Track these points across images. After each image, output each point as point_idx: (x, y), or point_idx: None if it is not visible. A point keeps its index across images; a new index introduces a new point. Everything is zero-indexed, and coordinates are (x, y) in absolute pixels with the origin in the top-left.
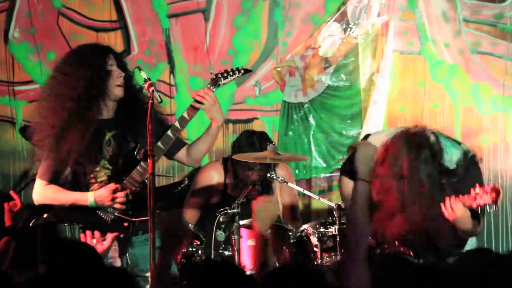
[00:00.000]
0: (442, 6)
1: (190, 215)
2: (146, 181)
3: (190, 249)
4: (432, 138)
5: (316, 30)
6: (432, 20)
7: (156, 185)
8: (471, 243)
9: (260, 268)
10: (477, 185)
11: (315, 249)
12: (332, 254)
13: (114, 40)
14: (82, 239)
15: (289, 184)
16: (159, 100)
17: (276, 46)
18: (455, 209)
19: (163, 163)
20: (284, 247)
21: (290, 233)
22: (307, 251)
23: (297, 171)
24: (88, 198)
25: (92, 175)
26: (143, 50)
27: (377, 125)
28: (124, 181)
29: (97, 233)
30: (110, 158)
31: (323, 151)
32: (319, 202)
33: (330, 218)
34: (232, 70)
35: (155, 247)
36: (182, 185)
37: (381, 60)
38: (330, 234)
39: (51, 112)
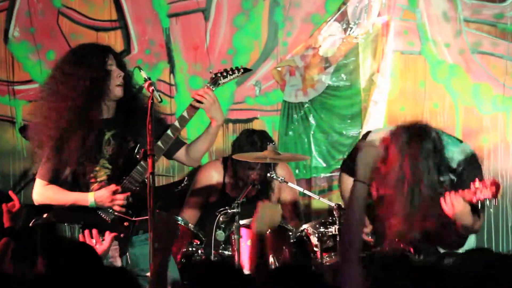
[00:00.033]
0: (442, 6)
1: (190, 215)
2: (146, 180)
3: (190, 249)
4: (434, 134)
5: (317, 30)
6: (432, 20)
7: (156, 185)
8: (470, 243)
9: (256, 269)
10: (477, 179)
11: (315, 249)
12: (332, 254)
13: (114, 40)
14: (81, 239)
15: (289, 184)
16: (159, 99)
17: (276, 46)
18: (455, 204)
19: (163, 162)
20: (284, 247)
21: (290, 233)
22: (307, 251)
23: (297, 171)
24: (88, 198)
25: (92, 175)
26: (143, 49)
27: (377, 125)
28: (124, 181)
29: (95, 232)
30: (110, 158)
31: (323, 151)
32: (319, 202)
33: (330, 218)
34: (232, 69)
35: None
36: (182, 185)
37: (382, 60)
38: (330, 234)
39: (51, 112)
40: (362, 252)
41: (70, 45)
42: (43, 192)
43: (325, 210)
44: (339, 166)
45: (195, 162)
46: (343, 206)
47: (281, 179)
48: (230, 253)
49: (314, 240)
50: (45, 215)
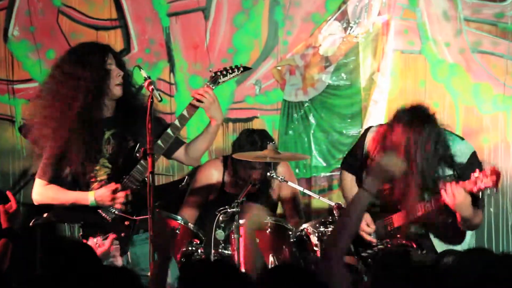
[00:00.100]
0: (443, 5)
1: (190, 214)
2: (146, 179)
3: (190, 248)
4: (434, 117)
5: (317, 29)
6: (432, 19)
7: (156, 184)
8: (467, 242)
9: (251, 267)
10: (477, 169)
11: (315, 248)
12: None
13: (114, 39)
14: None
15: (289, 183)
16: (159, 98)
17: (276, 45)
18: (456, 194)
19: (162, 162)
20: (284, 247)
21: (290, 232)
22: (307, 251)
23: (297, 170)
24: (88, 197)
25: (92, 174)
26: (143, 48)
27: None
28: (125, 180)
29: (99, 239)
30: (110, 157)
31: (323, 150)
32: (319, 201)
33: (330, 217)
34: (231, 68)
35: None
36: (182, 184)
37: (382, 59)
38: (329, 233)
39: (50, 111)
40: (364, 251)
41: (70, 44)
42: (43, 191)
43: (325, 209)
44: (339, 165)
45: (194, 161)
46: (343, 205)
47: (281, 178)
48: (229, 252)
49: (314, 239)
50: (45, 215)
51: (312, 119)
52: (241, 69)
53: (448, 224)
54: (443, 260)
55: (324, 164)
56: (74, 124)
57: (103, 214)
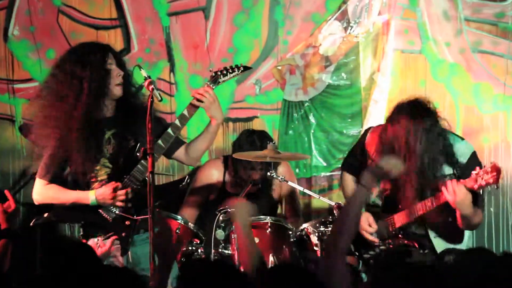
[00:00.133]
0: (443, 5)
1: (190, 213)
2: (147, 179)
3: (190, 247)
4: (434, 109)
5: (317, 28)
6: (433, 19)
7: (156, 184)
8: (467, 243)
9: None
10: (477, 167)
11: (315, 248)
12: None
13: (114, 38)
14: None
15: (289, 183)
16: (159, 98)
17: (276, 45)
18: (457, 191)
19: (163, 161)
20: (284, 246)
21: (290, 232)
22: (307, 250)
23: (297, 170)
24: (89, 197)
25: (92, 174)
26: (143, 48)
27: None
28: (125, 180)
29: (100, 239)
30: (110, 157)
31: (323, 150)
32: (319, 201)
33: (330, 217)
34: (232, 68)
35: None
36: (183, 183)
37: (382, 59)
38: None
39: (51, 111)
40: (367, 253)
41: (70, 43)
42: (43, 191)
43: (325, 209)
44: (340, 165)
45: (194, 161)
46: (343, 205)
47: (281, 178)
48: (229, 252)
49: (314, 239)
50: (45, 215)
51: (312, 119)
52: (241, 68)
53: (448, 223)
54: (444, 259)
55: (324, 164)
56: (75, 124)
57: (104, 214)
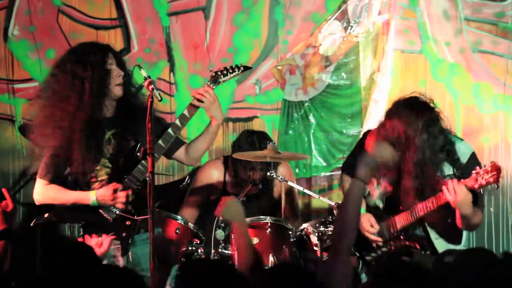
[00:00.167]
0: (443, 5)
1: (190, 214)
2: (147, 179)
3: (190, 248)
4: (433, 106)
5: (317, 28)
6: (433, 18)
7: (156, 184)
8: (464, 244)
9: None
10: (477, 167)
11: (315, 248)
12: None
13: (114, 38)
14: (82, 239)
15: (289, 183)
16: (159, 98)
17: (276, 45)
18: (457, 191)
19: (162, 161)
20: (284, 246)
21: (290, 232)
22: (307, 250)
23: (297, 170)
24: (90, 197)
25: (92, 174)
26: (143, 48)
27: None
28: (125, 180)
29: (98, 239)
30: (111, 157)
31: (323, 150)
32: (319, 201)
33: (330, 217)
34: (232, 68)
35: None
36: (183, 184)
37: (382, 58)
38: (330, 233)
39: (51, 111)
40: (369, 255)
41: (70, 43)
42: (44, 191)
43: (325, 209)
44: (340, 165)
45: (195, 161)
46: (341, 203)
47: (281, 178)
48: (229, 252)
49: (314, 239)
50: (46, 215)
51: (312, 119)
52: (242, 68)
53: (447, 223)
54: (444, 260)
55: (324, 164)
56: (75, 124)
57: (104, 214)
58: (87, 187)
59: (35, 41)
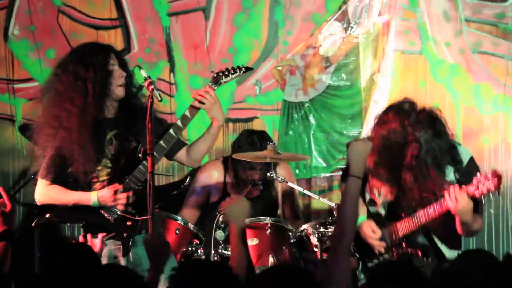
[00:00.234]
0: (443, 6)
1: (190, 214)
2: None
3: (190, 248)
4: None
5: (317, 29)
6: (433, 19)
7: (157, 184)
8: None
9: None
10: (478, 172)
11: (315, 249)
12: None
13: (114, 38)
14: (81, 240)
15: (289, 183)
16: (159, 98)
17: (276, 45)
18: (459, 199)
19: (163, 162)
20: (284, 247)
21: (290, 233)
22: (307, 251)
23: (297, 171)
24: (91, 198)
25: (94, 174)
26: (143, 48)
27: None
28: (127, 180)
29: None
30: (112, 157)
31: (323, 151)
32: (319, 202)
33: (330, 218)
34: (233, 68)
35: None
36: (185, 184)
37: (382, 59)
38: (330, 234)
39: (54, 111)
40: (370, 261)
41: (70, 43)
42: (45, 192)
43: (325, 210)
44: (339, 166)
45: (196, 162)
46: (339, 203)
47: (281, 179)
48: (229, 253)
49: (314, 240)
50: (47, 215)
51: (312, 120)
52: (243, 69)
53: (447, 228)
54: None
55: (324, 165)
56: (77, 124)
57: (105, 215)
58: (88, 187)
59: (35, 41)
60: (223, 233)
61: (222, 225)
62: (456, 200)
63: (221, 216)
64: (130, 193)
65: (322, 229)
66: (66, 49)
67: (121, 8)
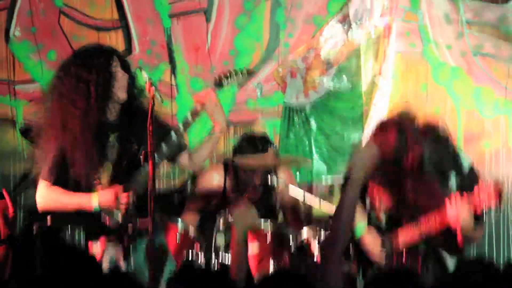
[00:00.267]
0: (444, 8)
1: (191, 218)
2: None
3: (190, 252)
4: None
5: (318, 31)
6: (434, 21)
7: (158, 188)
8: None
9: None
10: (479, 188)
11: (315, 254)
12: None
13: (115, 40)
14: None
15: (290, 187)
16: (160, 100)
17: (277, 47)
18: (459, 210)
19: (164, 166)
20: (283, 252)
21: (290, 238)
22: (307, 256)
23: (298, 174)
24: (92, 201)
25: (95, 177)
26: (144, 50)
27: None
28: (128, 183)
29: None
30: (114, 160)
31: (324, 154)
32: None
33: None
34: (235, 71)
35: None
36: (185, 188)
37: (383, 62)
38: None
39: (55, 114)
40: (370, 269)
41: (72, 45)
42: (46, 194)
43: (326, 215)
44: (340, 169)
45: (198, 166)
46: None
47: (282, 182)
48: (229, 257)
49: (314, 245)
50: (48, 220)
51: (313, 122)
52: (245, 72)
53: (448, 236)
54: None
55: (325, 168)
56: (79, 127)
57: (106, 219)
58: (89, 190)
59: (37, 42)
60: (223, 238)
61: (223, 230)
62: (457, 211)
63: (223, 218)
64: (131, 193)
65: (322, 234)
66: (67, 50)
67: (122, 9)
